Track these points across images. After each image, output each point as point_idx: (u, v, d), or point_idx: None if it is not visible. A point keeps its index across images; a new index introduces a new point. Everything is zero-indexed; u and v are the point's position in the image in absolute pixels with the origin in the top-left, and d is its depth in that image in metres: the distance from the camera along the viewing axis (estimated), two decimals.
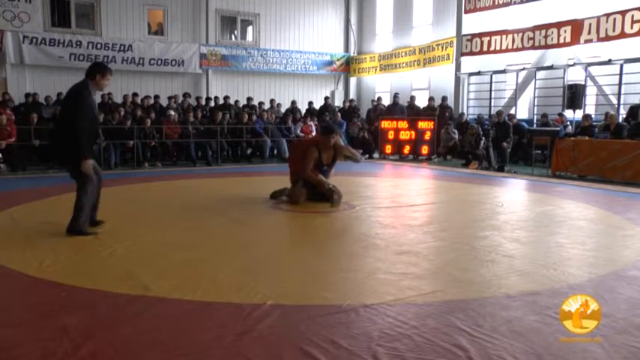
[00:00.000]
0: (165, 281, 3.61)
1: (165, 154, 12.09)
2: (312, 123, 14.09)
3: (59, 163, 4.82)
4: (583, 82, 12.02)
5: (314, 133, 13.81)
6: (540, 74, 13.33)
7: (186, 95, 14.34)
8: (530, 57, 13.73)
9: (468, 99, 15.09)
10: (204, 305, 3.20)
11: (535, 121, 13.18)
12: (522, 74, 13.71)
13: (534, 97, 13.40)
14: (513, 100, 14.03)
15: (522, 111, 14.17)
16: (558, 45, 12.43)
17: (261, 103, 15.09)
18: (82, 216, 4.86)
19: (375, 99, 16.55)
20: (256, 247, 4.74)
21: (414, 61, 16.07)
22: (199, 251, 4.51)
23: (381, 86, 18.33)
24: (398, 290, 3.49)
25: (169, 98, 13.57)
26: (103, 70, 4.86)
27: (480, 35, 14.19)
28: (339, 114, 14.99)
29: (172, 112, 12.52)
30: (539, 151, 11.57)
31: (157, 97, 13.93)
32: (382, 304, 3.22)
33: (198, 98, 14.82)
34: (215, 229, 5.42)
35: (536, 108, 13.35)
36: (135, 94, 13.60)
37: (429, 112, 14.42)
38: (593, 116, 11.47)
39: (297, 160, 6.98)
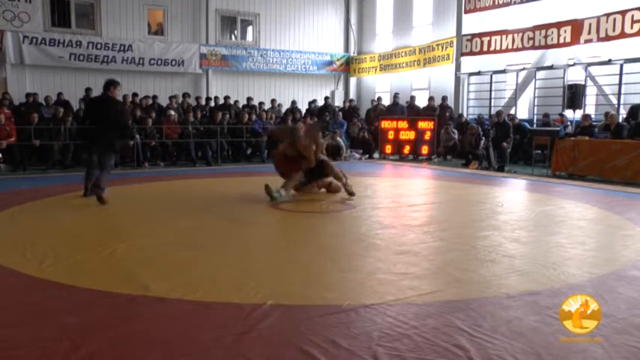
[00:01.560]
0: (165, 281, 3.61)
1: (165, 154, 12.10)
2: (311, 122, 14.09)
3: (106, 150, 6.86)
4: (583, 82, 12.02)
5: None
6: (540, 74, 13.33)
7: (185, 95, 14.31)
8: (530, 57, 13.73)
9: (468, 99, 15.09)
10: (205, 305, 3.20)
11: (535, 120, 13.19)
12: (522, 74, 13.71)
13: (534, 97, 13.40)
14: (513, 100, 14.03)
15: (522, 111, 14.18)
16: (558, 45, 12.43)
17: (261, 103, 15.10)
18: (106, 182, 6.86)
19: (375, 99, 16.55)
20: (256, 247, 4.75)
21: (414, 61, 16.07)
22: (199, 251, 4.51)
23: (381, 86, 18.33)
24: (398, 290, 3.49)
25: (170, 98, 13.56)
26: (116, 84, 7.05)
27: (480, 35, 14.19)
28: (340, 114, 14.98)
29: (172, 112, 12.52)
30: (540, 151, 11.58)
31: (155, 97, 13.93)
32: (382, 304, 3.22)
33: (197, 98, 14.81)
34: (215, 229, 5.43)
35: (536, 108, 13.36)
36: (135, 94, 13.61)
37: (429, 112, 14.42)
38: (592, 116, 11.48)
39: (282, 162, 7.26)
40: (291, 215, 6.32)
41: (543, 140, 10.88)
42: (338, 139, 13.42)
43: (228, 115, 13.18)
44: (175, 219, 5.88)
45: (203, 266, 4.04)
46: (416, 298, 3.34)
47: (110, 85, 7.00)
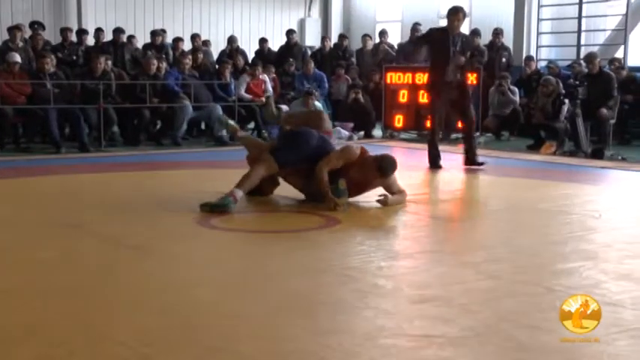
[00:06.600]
0: None
1: (3, 130, 11.90)
2: (265, 76, 14.04)
3: None
4: None
5: (269, 93, 13.74)
6: None
7: (37, 26, 14.09)
8: None
9: (539, 33, 15.19)
10: None
11: None
12: None
13: None
14: (621, 36, 14.14)
15: (637, 53, 14.31)
16: None
17: (177, 41, 15.00)
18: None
19: (377, 34, 16.59)
20: (172, 295, 4.65)
21: None
22: (68, 302, 4.41)
23: (385, 12, 18.42)
24: None
25: (10, 31, 13.41)
26: None
27: None
28: (311, 61, 14.94)
29: (17, 57, 12.31)
30: None
31: None
32: None
33: (62, 31, 14.64)
34: (97, 264, 5.36)
35: None
36: None
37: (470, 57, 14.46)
38: None
39: None
40: (230, 238, 6.32)
41: None
42: (316, 103, 13.37)
43: (111, 62, 13.10)
44: (31, 245, 5.83)
45: (71, 329, 3.94)
46: None
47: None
